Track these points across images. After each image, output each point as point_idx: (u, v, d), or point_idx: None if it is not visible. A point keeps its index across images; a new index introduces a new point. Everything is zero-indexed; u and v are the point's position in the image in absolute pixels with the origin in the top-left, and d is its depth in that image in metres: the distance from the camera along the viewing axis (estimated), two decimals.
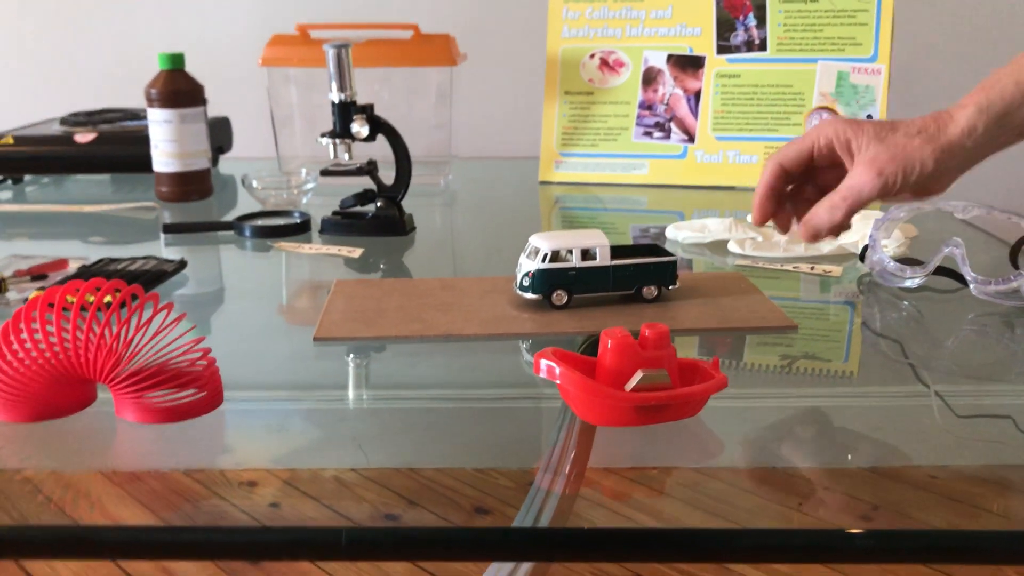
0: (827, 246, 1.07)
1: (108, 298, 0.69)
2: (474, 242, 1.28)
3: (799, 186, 0.85)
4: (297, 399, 0.78)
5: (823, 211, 0.80)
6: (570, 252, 0.87)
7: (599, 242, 0.88)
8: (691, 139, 1.46)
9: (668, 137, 1.46)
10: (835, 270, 1.02)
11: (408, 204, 1.22)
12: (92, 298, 0.69)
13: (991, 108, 0.76)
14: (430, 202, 1.42)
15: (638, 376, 0.65)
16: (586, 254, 0.88)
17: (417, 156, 1.24)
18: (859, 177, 0.78)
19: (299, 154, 1.53)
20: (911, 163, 0.76)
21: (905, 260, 0.97)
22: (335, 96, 1.16)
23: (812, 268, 1.02)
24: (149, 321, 0.69)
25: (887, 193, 0.77)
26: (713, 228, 1.12)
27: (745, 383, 0.78)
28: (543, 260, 0.87)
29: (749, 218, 1.22)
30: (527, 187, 1.51)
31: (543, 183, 1.50)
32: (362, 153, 1.20)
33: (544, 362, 0.67)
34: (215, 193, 1.42)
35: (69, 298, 0.68)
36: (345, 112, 1.15)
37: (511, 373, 0.83)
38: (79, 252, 1.19)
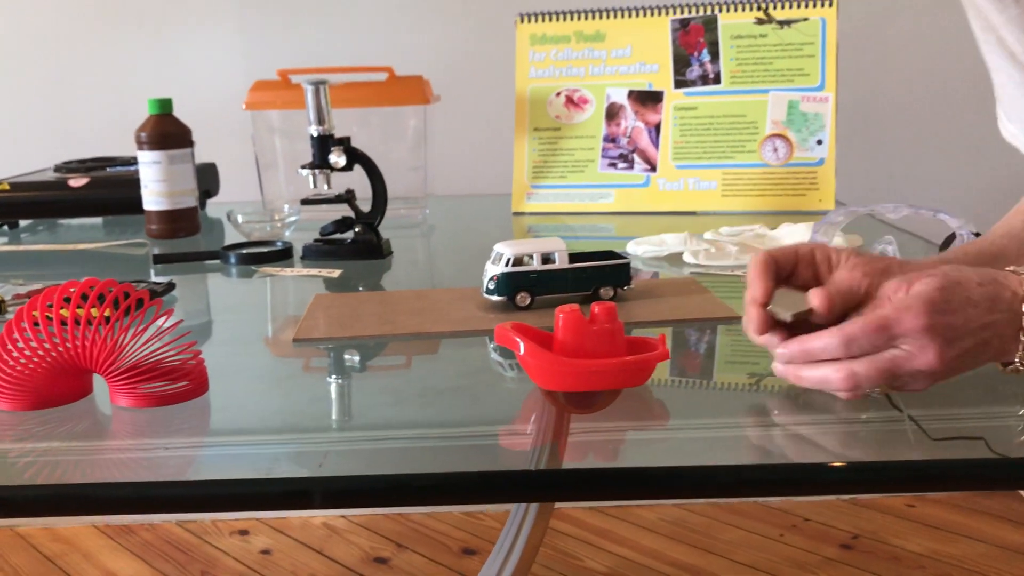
0: None
1: (108, 312, 0.75)
2: (449, 263, 1.36)
3: None
4: (283, 441, 0.74)
5: None
6: (531, 256, 0.95)
7: (558, 247, 0.95)
8: (653, 168, 1.54)
9: (632, 167, 1.55)
10: None
11: (386, 234, 1.29)
12: (88, 295, 0.75)
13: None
14: (407, 232, 1.49)
15: None
16: (546, 258, 0.95)
17: (395, 194, 1.32)
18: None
19: (283, 194, 1.60)
20: None
21: None
22: (314, 130, 1.24)
23: None
24: (142, 316, 0.75)
25: None
26: (670, 242, 1.20)
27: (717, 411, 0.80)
28: (507, 264, 0.94)
29: (709, 235, 1.29)
30: (501, 218, 1.59)
31: (516, 214, 1.58)
32: (341, 183, 1.27)
33: (505, 334, 0.73)
34: (202, 232, 1.49)
35: (66, 299, 0.75)
36: (323, 144, 1.23)
37: (480, 360, 0.89)
38: (69, 274, 1.25)
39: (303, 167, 1.25)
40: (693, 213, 1.52)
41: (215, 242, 1.48)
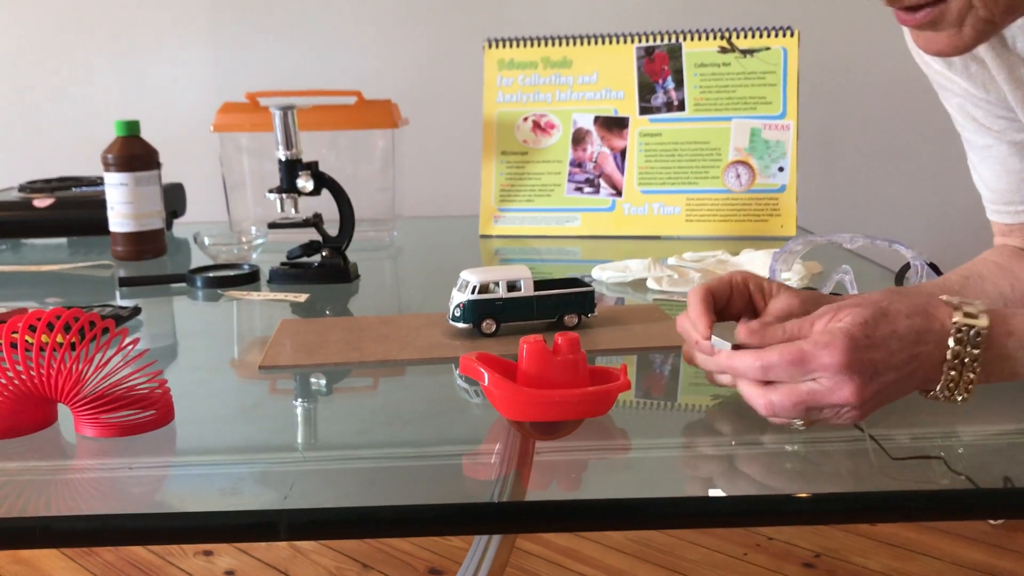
0: None
1: (72, 340, 0.75)
2: (416, 287, 1.36)
3: None
4: (249, 461, 0.74)
5: None
6: (497, 284, 0.96)
7: (523, 275, 0.97)
8: (619, 193, 1.56)
9: (597, 192, 1.57)
10: None
11: (354, 256, 1.30)
12: (54, 325, 0.75)
13: None
14: (375, 255, 1.50)
15: None
16: (512, 286, 0.96)
17: (363, 216, 1.32)
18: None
19: (250, 215, 1.61)
20: None
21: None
22: (282, 154, 1.25)
23: None
24: (107, 345, 0.76)
25: None
26: (634, 268, 1.21)
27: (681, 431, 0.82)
28: (472, 292, 0.95)
29: (672, 260, 1.31)
30: (468, 240, 1.60)
31: (483, 236, 1.59)
32: (308, 207, 1.28)
33: (470, 365, 0.74)
34: (169, 253, 1.49)
35: (32, 327, 0.75)
36: (291, 169, 1.24)
37: (446, 387, 0.90)
38: (39, 300, 1.25)
39: (271, 191, 1.25)
40: (658, 237, 1.54)
41: (182, 264, 1.48)
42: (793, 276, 1.13)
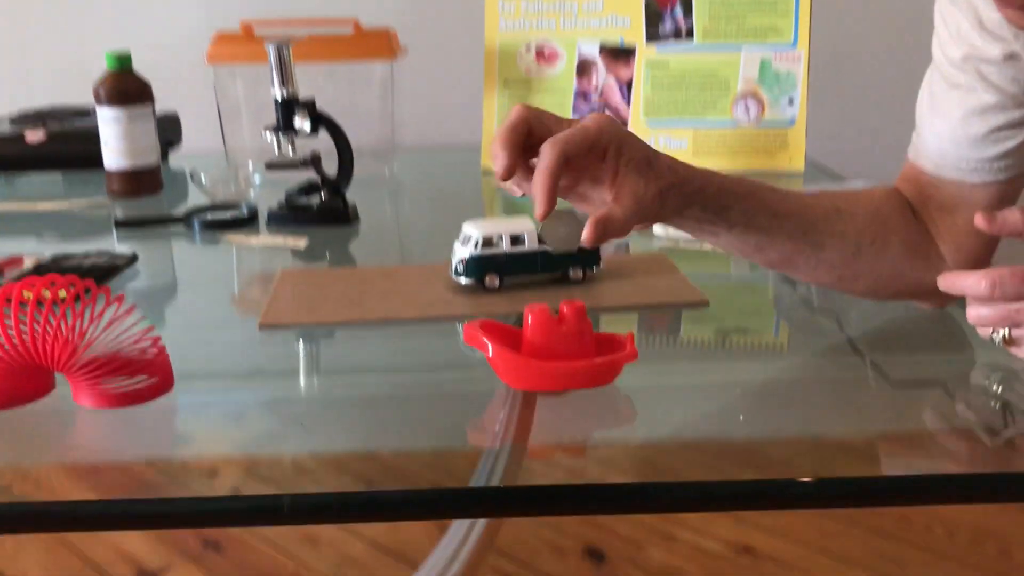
0: None
1: (63, 292, 0.74)
2: (417, 229, 1.34)
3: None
4: (252, 387, 0.82)
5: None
6: (500, 238, 0.94)
7: (527, 228, 0.94)
8: (624, 126, 1.52)
9: None
10: None
11: (353, 194, 1.27)
12: (48, 293, 0.73)
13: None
14: (375, 192, 1.47)
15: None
16: (515, 240, 0.94)
17: (361, 147, 1.29)
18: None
19: (247, 146, 1.57)
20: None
21: None
22: (277, 92, 1.21)
23: None
24: (102, 313, 0.74)
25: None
26: None
27: (675, 357, 0.83)
28: (475, 247, 0.93)
29: None
30: (470, 175, 1.57)
31: (485, 173, 1.56)
32: (307, 145, 1.25)
33: (474, 334, 0.73)
34: (165, 188, 1.46)
35: (26, 293, 0.73)
36: (288, 108, 1.20)
37: (448, 352, 0.89)
38: (34, 249, 1.23)
39: (267, 129, 1.22)
40: None
41: (178, 201, 1.45)
42: None
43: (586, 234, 0.68)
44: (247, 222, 1.24)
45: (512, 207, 1.47)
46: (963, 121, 0.80)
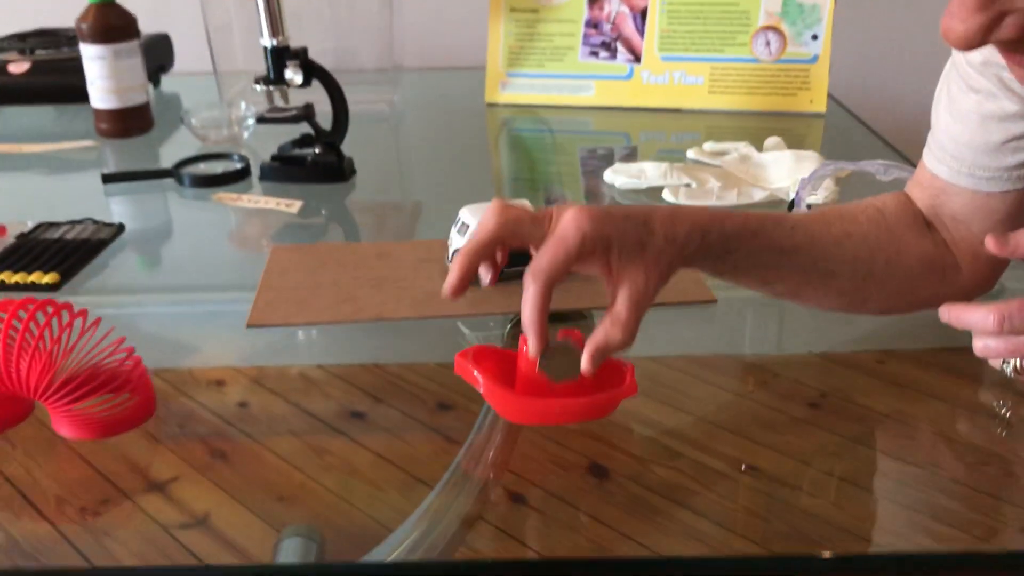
0: (759, 193, 1.09)
1: (23, 312, 0.70)
2: (416, 182, 1.29)
3: None
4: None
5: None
6: None
7: None
8: (637, 59, 1.44)
9: (614, 57, 1.45)
10: None
11: (350, 133, 1.20)
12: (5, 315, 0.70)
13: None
14: (373, 137, 1.40)
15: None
16: None
17: (362, 66, 1.22)
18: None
19: (239, 67, 1.49)
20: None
21: None
22: (267, 41, 1.14)
23: None
24: (69, 329, 0.71)
25: None
26: (650, 174, 1.13)
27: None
28: None
29: (691, 153, 1.23)
30: (473, 110, 1.50)
31: (490, 105, 1.49)
32: (299, 97, 1.18)
33: (466, 367, 0.70)
34: (157, 122, 1.40)
35: None
36: (278, 58, 1.14)
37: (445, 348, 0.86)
38: (19, 200, 1.19)
39: (256, 81, 1.15)
40: (678, 110, 1.43)
41: (168, 133, 1.40)
42: (820, 194, 1.05)
43: (584, 365, 0.65)
44: (239, 176, 1.19)
45: (520, 148, 1.41)
46: (981, 127, 0.74)
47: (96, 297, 0.94)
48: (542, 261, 0.63)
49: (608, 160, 1.32)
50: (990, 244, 0.70)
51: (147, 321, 0.94)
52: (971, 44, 0.53)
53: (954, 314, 0.67)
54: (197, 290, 0.97)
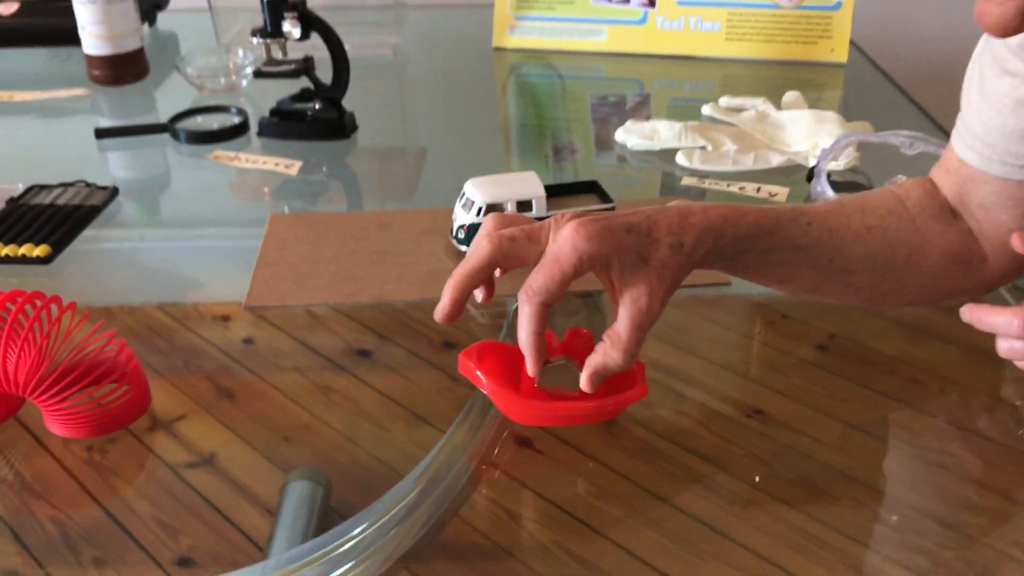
0: (777, 157, 1.05)
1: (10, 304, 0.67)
2: (420, 135, 1.24)
3: None
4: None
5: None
6: (506, 204, 0.85)
7: (536, 192, 0.86)
8: (652, 3, 1.38)
9: (627, 1, 1.38)
10: (780, 193, 1.00)
11: (354, 80, 1.15)
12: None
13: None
14: (375, 87, 1.35)
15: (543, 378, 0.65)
16: (522, 206, 0.86)
17: (364, 2, 1.16)
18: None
19: (237, 3, 1.42)
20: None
21: (849, 185, 0.95)
22: None
23: (759, 190, 1.00)
24: (57, 324, 0.68)
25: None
26: (663, 135, 1.09)
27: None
28: (478, 214, 0.85)
29: (706, 109, 1.18)
30: (480, 55, 1.44)
31: (497, 49, 1.44)
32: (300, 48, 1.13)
33: (469, 367, 0.67)
34: (152, 68, 1.35)
35: None
36: (275, 10, 1.08)
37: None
38: (11, 154, 1.15)
39: (253, 34, 1.10)
40: (693, 58, 1.38)
41: (163, 77, 1.35)
42: (840, 161, 1.01)
43: (583, 385, 0.63)
44: (237, 131, 1.15)
45: (528, 95, 1.37)
46: (1015, 113, 0.69)
47: (94, 244, 0.92)
48: (537, 282, 0.61)
49: (619, 109, 1.27)
50: (1016, 243, 0.66)
51: (150, 257, 0.94)
52: (1007, 30, 0.49)
53: (976, 316, 0.65)
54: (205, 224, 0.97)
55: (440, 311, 0.63)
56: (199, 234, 0.98)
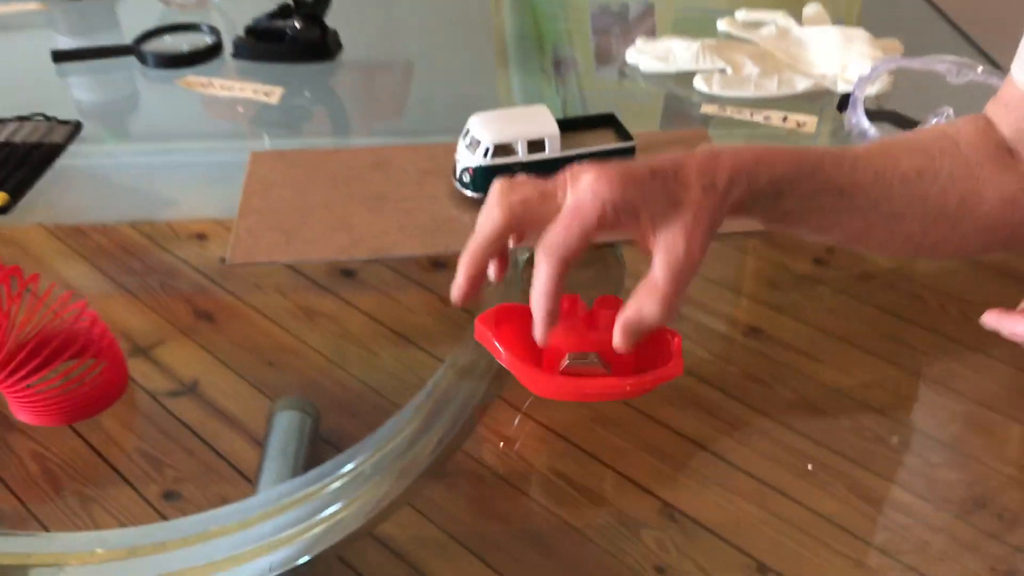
0: (803, 81, 0.96)
1: None
2: (411, 52, 1.14)
3: None
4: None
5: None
6: (516, 144, 0.77)
7: (548, 131, 0.77)
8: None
9: None
10: (809, 123, 0.92)
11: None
12: None
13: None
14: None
15: (565, 362, 0.59)
16: (534, 146, 0.77)
17: None
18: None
19: None
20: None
21: (887, 116, 0.87)
22: None
23: (785, 119, 0.92)
24: (18, 301, 0.61)
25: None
26: (679, 56, 0.99)
27: None
28: (485, 155, 0.77)
29: (722, 24, 1.09)
30: None
31: None
32: None
33: (485, 335, 0.60)
34: None
35: None
36: None
37: None
38: None
39: None
40: None
41: (129, 8, 1.23)
42: (873, 89, 0.93)
43: (616, 341, 0.54)
44: (210, 53, 1.04)
45: (521, 6, 1.26)
46: None
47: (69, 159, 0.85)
48: (556, 236, 0.52)
49: (623, 19, 1.18)
50: None
51: (121, 174, 0.88)
52: None
53: (1002, 323, 0.58)
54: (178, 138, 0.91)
55: (456, 290, 0.56)
56: (169, 148, 0.92)
